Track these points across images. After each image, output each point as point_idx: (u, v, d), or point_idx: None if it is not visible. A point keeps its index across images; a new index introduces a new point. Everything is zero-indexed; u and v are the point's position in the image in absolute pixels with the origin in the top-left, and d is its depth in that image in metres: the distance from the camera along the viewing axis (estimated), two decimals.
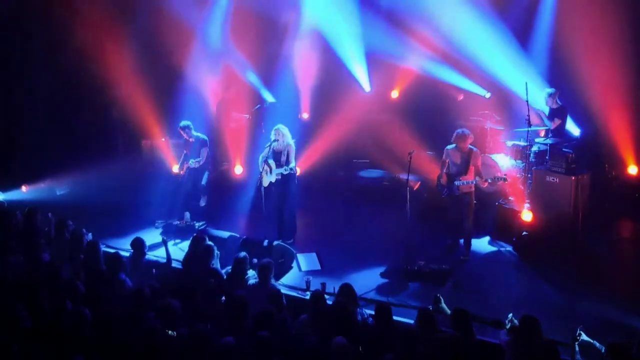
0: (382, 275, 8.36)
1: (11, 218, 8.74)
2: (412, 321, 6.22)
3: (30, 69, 12.52)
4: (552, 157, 9.48)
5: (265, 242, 8.53)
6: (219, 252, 7.65)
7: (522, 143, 10.18)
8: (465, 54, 11.79)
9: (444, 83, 12.51)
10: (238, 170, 11.82)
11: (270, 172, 9.04)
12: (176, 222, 10.10)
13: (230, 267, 7.49)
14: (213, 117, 12.59)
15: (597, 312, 6.97)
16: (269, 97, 13.32)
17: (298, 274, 8.44)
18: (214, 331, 5.71)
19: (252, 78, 13.30)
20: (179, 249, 9.12)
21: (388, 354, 5.47)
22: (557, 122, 9.97)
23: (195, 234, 8.31)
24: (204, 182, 10.58)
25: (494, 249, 9.25)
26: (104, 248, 8.14)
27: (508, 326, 6.03)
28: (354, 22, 12.81)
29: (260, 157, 9.19)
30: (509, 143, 10.55)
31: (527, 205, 9.20)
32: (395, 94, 13.47)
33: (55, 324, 5.94)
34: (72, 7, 11.79)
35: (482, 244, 9.32)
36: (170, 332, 5.81)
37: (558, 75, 10.77)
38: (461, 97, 12.66)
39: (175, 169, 10.72)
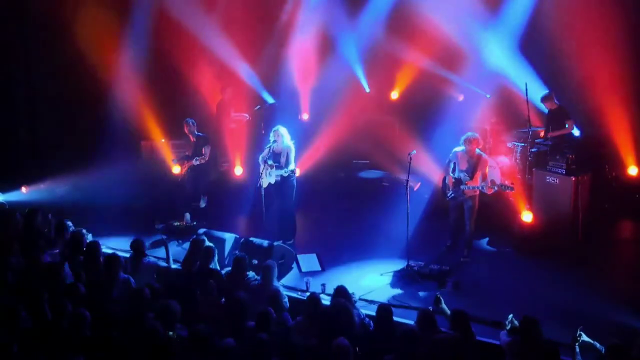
0: (383, 276, 8.36)
1: (11, 219, 8.74)
2: (412, 322, 6.22)
3: (30, 69, 12.53)
4: (552, 157, 9.47)
5: (266, 243, 8.53)
6: (217, 253, 7.66)
7: (523, 143, 10.18)
8: (466, 53, 11.80)
9: (444, 83, 12.51)
10: (238, 171, 11.82)
11: (270, 173, 9.04)
12: (176, 223, 10.10)
13: (229, 267, 7.49)
14: (213, 117, 12.59)
15: (597, 312, 6.96)
16: (268, 98, 13.32)
17: (298, 275, 8.44)
18: (214, 332, 5.70)
19: (252, 78, 13.30)
20: (178, 250, 9.12)
21: (388, 355, 5.48)
22: (571, 122, 9.92)
23: (195, 235, 8.30)
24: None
25: (494, 249, 9.25)
26: (104, 249, 8.14)
27: (508, 327, 6.03)
28: (354, 22, 12.83)
29: (260, 158, 9.19)
30: (510, 144, 10.55)
31: (527, 205, 9.20)
32: (395, 95, 13.48)
33: (56, 324, 5.94)
34: (73, 7, 11.79)
35: (482, 245, 9.32)
36: (170, 333, 5.81)
37: (558, 75, 10.77)
38: (462, 98, 12.66)
39: (175, 169, 10.73)
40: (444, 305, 6.49)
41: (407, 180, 8.50)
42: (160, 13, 12.36)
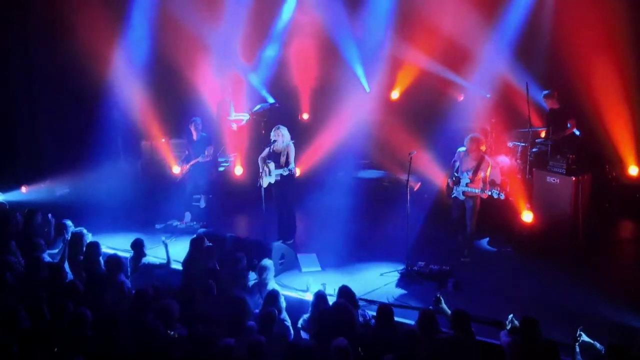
0: (383, 276, 8.35)
1: (11, 219, 8.75)
2: (412, 322, 6.21)
3: (30, 69, 12.51)
4: (552, 157, 9.47)
5: (265, 243, 8.52)
6: (217, 253, 7.66)
7: (523, 143, 10.18)
8: (466, 53, 11.79)
9: (444, 83, 12.51)
10: (238, 170, 11.82)
11: (270, 173, 9.03)
12: (176, 223, 10.10)
13: (229, 268, 7.48)
14: (213, 117, 12.59)
15: (597, 312, 6.96)
16: (269, 98, 13.32)
17: (298, 275, 8.43)
18: (214, 332, 5.70)
19: (252, 78, 13.30)
20: (178, 250, 9.11)
21: (388, 355, 5.47)
22: (572, 122, 9.92)
23: (195, 235, 8.30)
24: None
25: (494, 249, 9.25)
26: (104, 249, 8.14)
27: (508, 327, 6.02)
28: (354, 22, 12.82)
29: (260, 158, 9.19)
30: (510, 143, 10.54)
31: (527, 205, 9.20)
32: (395, 95, 13.47)
33: (55, 324, 5.94)
34: (74, 6, 11.78)
35: (482, 245, 9.31)
36: (171, 332, 5.81)
37: (558, 74, 10.76)
38: (462, 98, 12.65)
39: (176, 169, 10.73)
40: (444, 305, 6.48)
41: (407, 180, 8.50)
42: (161, 12, 12.35)
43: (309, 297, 7.12)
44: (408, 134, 12.03)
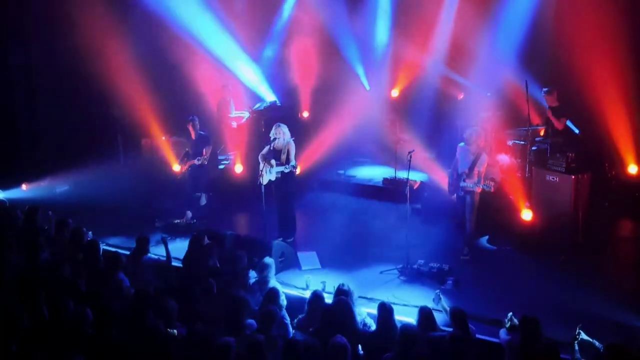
0: (383, 274, 8.36)
1: (11, 216, 8.75)
2: (412, 320, 6.22)
3: (30, 68, 12.52)
4: (552, 156, 9.47)
5: (265, 241, 8.52)
6: (217, 251, 7.66)
7: (523, 142, 10.17)
8: (465, 52, 11.79)
9: (444, 82, 12.51)
10: (238, 168, 11.82)
11: (270, 171, 9.03)
12: (177, 221, 10.11)
13: (229, 266, 7.49)
14: (213, 115, 12.59)
15: (597, 311, 6.96)
16: (269, 96, 13.32)
17: (298, 273, 8.44)
18: (213, 331, 5.71)
19: (252, 77, 13.29)
20: (179, 248, 9.11)
21: (388, 353, 5.49)
22: (563, 120, 9.93)
23: (195, 233, 8.32)
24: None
25: (493, 247, 9.26)
26: (104, 247, 8.14)
27: (508, 325, 6.02)
28: (354, 21, 12.82)
29: (260, 155, 9.19)
30: (510, 142, 10.54)
31: (527, 204, 9.21)
32: (395, 93, 13.47)
33: (55, 323, 5.94)
34: (73, 7, 11.78)
35: (482, 243, 9.32)
36: (171, 330, 5.82)
37: (558, 73, 10.76)
38: (462, 96, 12.65)
39: (176, 167, 10.73)
40: (444, 303, 6.50)
41: (407, 179, 8.51)
42: (161, 11, 12.34)
43: (308, 295, 7.12)
44: (408, 133, 12.06)
